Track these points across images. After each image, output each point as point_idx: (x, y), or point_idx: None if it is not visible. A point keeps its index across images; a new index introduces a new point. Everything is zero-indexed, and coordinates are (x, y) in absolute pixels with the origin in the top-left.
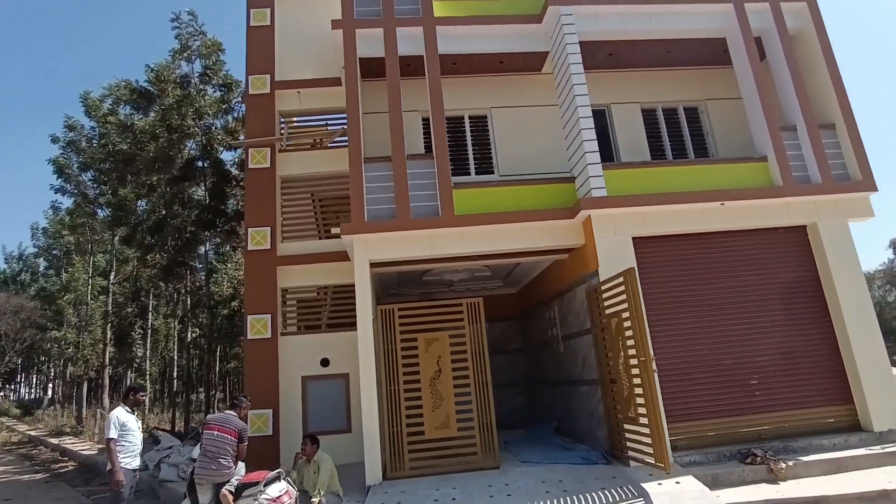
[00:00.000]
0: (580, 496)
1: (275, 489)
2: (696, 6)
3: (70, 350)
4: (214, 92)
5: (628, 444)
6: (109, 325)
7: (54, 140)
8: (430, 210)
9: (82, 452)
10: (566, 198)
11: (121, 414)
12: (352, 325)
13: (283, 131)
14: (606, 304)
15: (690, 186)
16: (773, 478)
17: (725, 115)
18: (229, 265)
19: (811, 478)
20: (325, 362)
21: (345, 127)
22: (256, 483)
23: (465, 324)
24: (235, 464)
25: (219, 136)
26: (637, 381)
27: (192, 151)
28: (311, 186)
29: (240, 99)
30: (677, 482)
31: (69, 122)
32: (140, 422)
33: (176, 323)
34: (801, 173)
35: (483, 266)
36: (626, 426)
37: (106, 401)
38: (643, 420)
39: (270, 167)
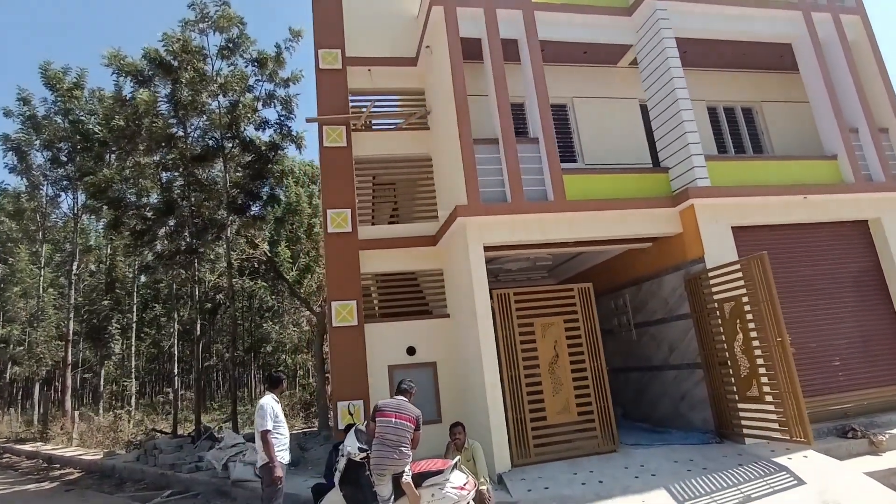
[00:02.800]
0: (725, 473)
1: (458, 478)
2: (770, 11)
3: (18, 349)
4: (247, 67)
5: (743, 422)
6: (73, 319)
7: (7, 114)
8: (539, 194)
9: (83, 458)
10: (657, 187)
11: (274, 404)
12: (433, 313)
13: (366, 109)
14: (715, 289)
15: (775, 180)
16: (875, 450)
17: (778, 116)
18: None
19: None
20: (411, 351)
21: (424, 108)
22: (440, 472)
23: (577, 308)
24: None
25: (248, 115)
26: (761, 361)
27: (197, 130)
28: (373, 169)
29: (263, 78)
30: (805, 456)
31: (22, 94)
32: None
33: (177, 315)
34: (865, 172)
35: (548, 255)
36: (741, 405)
37: (68, 403)
38: (769, 398)
39: (347, 146)
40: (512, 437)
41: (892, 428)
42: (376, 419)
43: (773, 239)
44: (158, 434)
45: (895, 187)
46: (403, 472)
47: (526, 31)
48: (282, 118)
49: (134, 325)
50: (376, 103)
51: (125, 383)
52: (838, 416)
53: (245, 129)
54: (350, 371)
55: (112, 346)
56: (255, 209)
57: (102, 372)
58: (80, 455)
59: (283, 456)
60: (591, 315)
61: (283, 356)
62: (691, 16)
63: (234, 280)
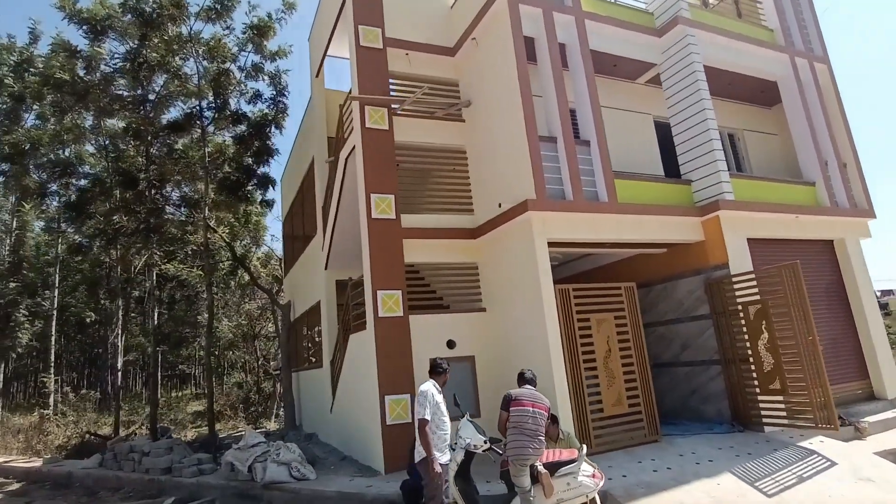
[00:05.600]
0: (768, 457)
1: (588, 467)
2: (767, 51)
3: None
4: (244, 33)
5: (763, 413)
6: None
7: None
8: (590, 195)
9: (13, 465)
10: (680, 197)
11: (436, 392)
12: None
13: (415, 94)
14: (739, 293)
15: (774, 199)
16: (860, 436)
17: (756, 144)
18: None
19: (879, 434)
20: (451, 344)
21: (466, 100)
22: (572, 461)
23: (624, 305)
24: None
25: (236, 85)
26: (786, 357)
27: (167, 97)
28: (399, 156)
29: (249, 49)
30: (821, 441)
31: None
32: None
33: (121, 303)
34: (833, 199)
35: (559, 254)
36: (762, 398)
37: None
38: (797, 391)
39: (389, 130)
40: (575, 429)
41: (865, 416)
42: (510, 409)
43: (774, 250)
44: (93, 437)
45: (856, 213)
46: (536, 462)
47: (578, 37)
48: (276, 94)
49: (55, 312)
50: (411, 90)
51: (44, 379)
52: None
53: (231, 99)
54: (397, 364)
55: (19, 336)
56: (247, 189)
57: (1, 367)
58: (5, 462)
59: (441, 456)
60: (635, 312)
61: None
62: (709, 45)
63: (167, 266)
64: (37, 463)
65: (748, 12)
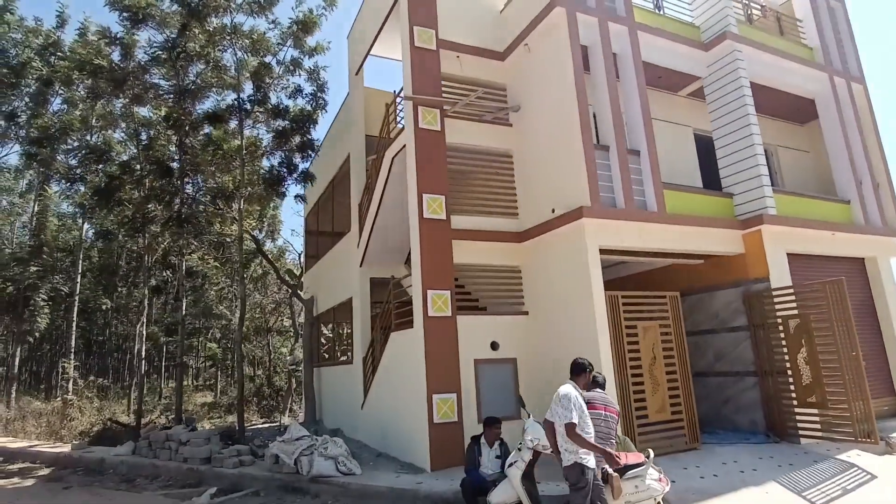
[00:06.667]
0: (810, 469)
1: (654, 471)
2: (807, 69)
3: None
4: (290, 27)
5: (799, 425)
6: None
7: None
8: (641, 204)
9: (41, 450)
10: (722, 210)
11: (579, 395)
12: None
13: (468, 97)
14: (779, 306)
15: (810, 215)
16: (890, 451)
17: (789, 160)
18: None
19: None
20: (494, 346)
21: (515, 104)
22: (639, 464)
23: (668, 314)
24: None
25: (278, 80)
26: (827, 372)
27: (203, 87)
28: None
29: (288, 43)
30: (858, 454)
31: None
32: None
33: (147, 292)
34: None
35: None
36: (799, 410)
37: None
38: (835, 405)
39: (441, 131)
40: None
41: (893, 432)
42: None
43: (807, 266)
44: (115, 424)
45: (888, 232)
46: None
47: (631, 47)
48: (316, 90)
49: (77, 297)
50: (461, 92)
51: (64, 364)
52: None
53: (271, 93)
54: (445, 363)
55: (38, 320)
56: (288, 183)
57: (18, 351)
58: (30, 447)
59: (588, 460)
60: (679, 321)
61: (212, 343)
62: (753, 61)
63: (190, 256)
64: (64, 448)
65: (788, 29)
